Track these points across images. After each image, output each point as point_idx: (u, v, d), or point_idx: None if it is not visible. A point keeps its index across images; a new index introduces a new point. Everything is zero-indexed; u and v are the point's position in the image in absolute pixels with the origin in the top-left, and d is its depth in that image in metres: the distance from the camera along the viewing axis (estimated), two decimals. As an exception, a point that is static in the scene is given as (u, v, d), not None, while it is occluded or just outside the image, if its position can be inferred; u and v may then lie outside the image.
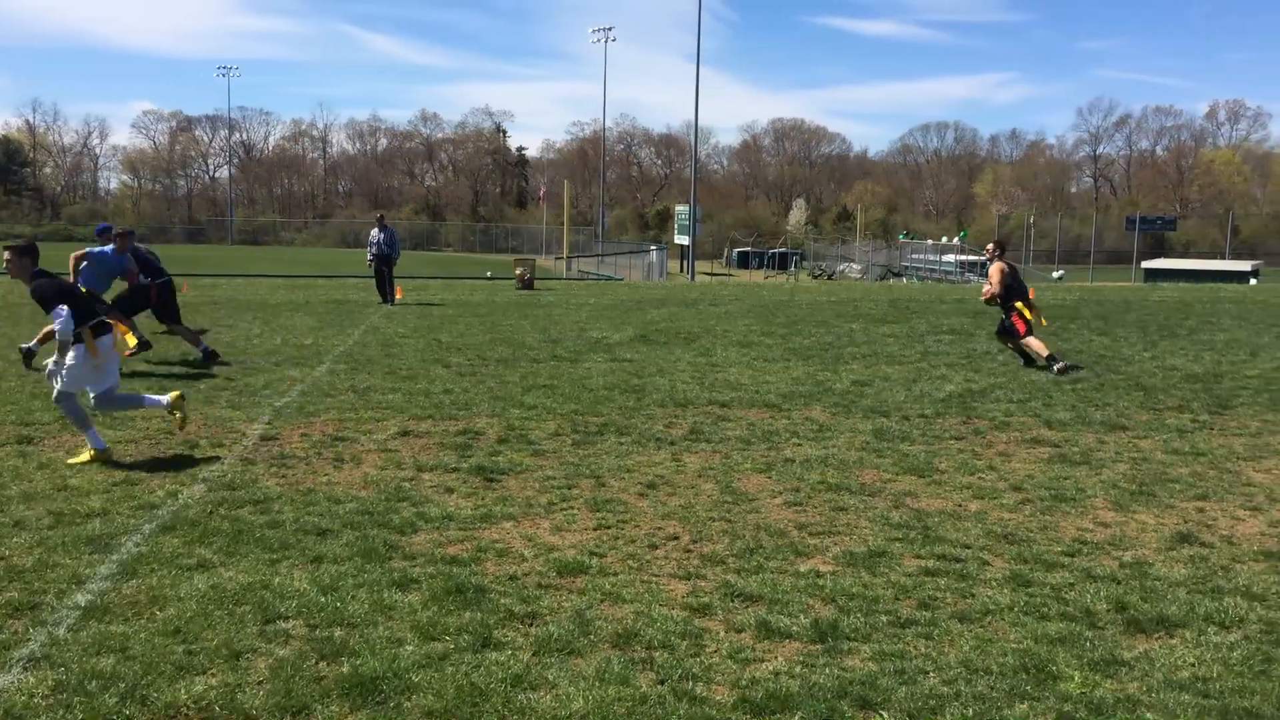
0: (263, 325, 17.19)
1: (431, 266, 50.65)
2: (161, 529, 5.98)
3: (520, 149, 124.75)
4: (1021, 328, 12.82)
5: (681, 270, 56.54)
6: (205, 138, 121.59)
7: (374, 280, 23.06)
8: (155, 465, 7.50)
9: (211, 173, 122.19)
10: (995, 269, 13.09)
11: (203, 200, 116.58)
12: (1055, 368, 12.27)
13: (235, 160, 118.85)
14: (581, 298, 25.11)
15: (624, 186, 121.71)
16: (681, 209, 62.16)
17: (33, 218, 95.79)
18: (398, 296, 23.08)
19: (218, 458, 7.77)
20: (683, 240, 55.57)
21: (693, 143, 54.91)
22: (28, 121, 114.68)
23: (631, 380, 11.56)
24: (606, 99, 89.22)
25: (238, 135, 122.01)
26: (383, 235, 22.68)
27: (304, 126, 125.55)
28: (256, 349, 14.07)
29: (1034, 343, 12.76)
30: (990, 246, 13.42)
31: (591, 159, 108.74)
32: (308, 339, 15.29)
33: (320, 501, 6.59)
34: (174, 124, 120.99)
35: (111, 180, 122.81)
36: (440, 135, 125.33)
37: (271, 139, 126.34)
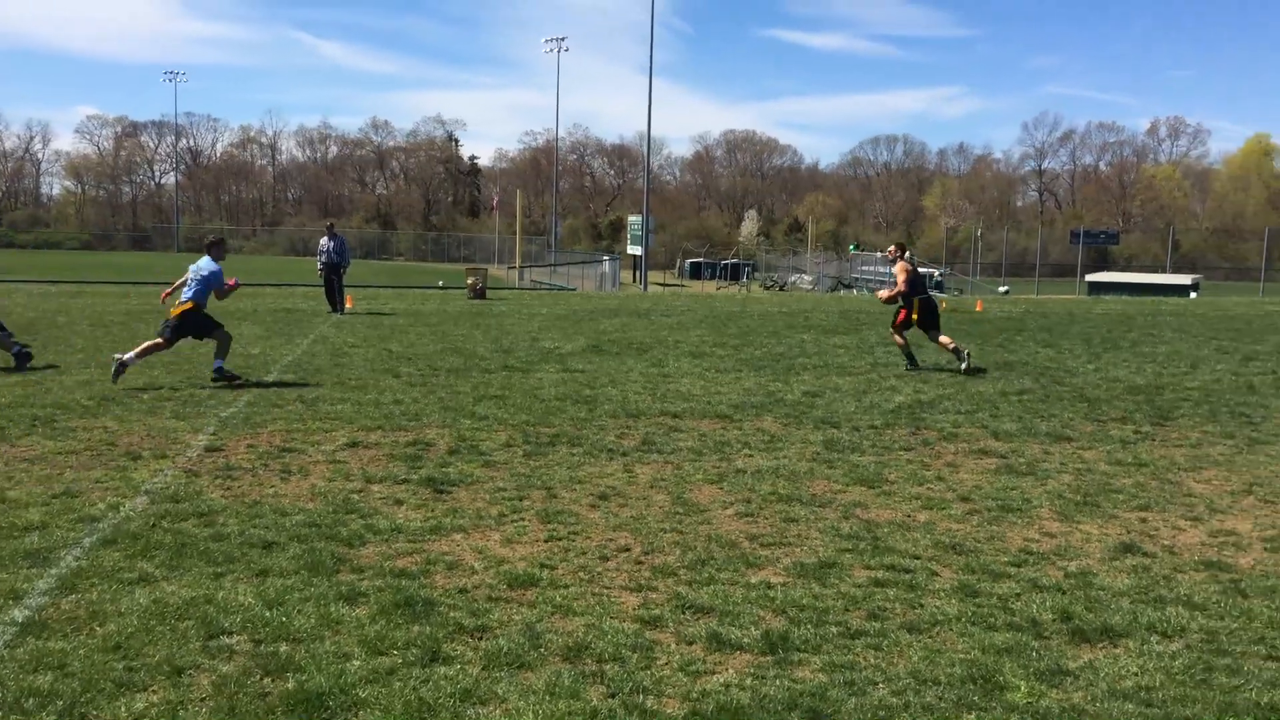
0: (209, 334, 16.93)
1: (382, 275, 50.25)
2: (102, 542, 5.85)
3: (473, 158, 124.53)
4: (900, 318, 13.90)
5: (634, 280, 56.66)
6: (151, 143, 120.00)
7: (323, 289, 22.83)
8: (96, 477, 7.35)
9: (157, 179, 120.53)
10: (900, 268, 13.85)
11: (148, 207, 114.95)
12: (906, 366, 13.75)
13: (182, 167, 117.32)
14: (534, 307, 25.04)
15: (577, 196, 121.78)
16: (634, 219, 62.35)
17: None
18: (347, 305, 22.87)
19: (161, 469, 7.63)
20: (635, 250, 55.70)
21: (645, 153, 55.15)
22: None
23: (584, 391, 11.54)
24: (559, 109, 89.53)
25: (185, 141, 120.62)
26: (332, 243, 22.48)
27: (253, 133, 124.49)
28: (202, 359, 13.86)
29: (899, 338, 13.94)
30: (892, 248, 14.29)
31: (544, 168, 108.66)
32: (255, 348, 15.08)
33: (266, 514, 6.49)
34: (119, 129, 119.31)
35: (54, 186, 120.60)
36: (391, 143, 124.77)
37: (219, 145, 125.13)
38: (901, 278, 13.74)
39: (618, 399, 11.02)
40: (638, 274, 53.23)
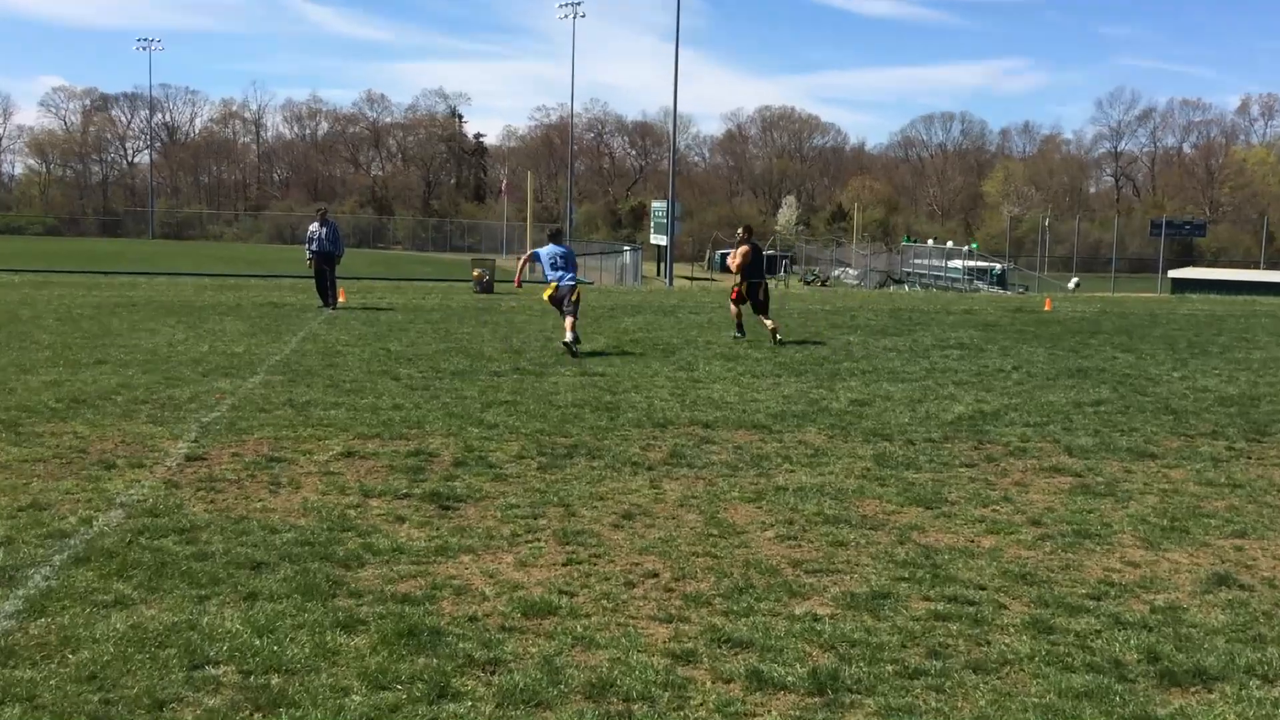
0: (188, 330, 17.06)
1: (378, 266, 50.52)
2: (74, 560, 5.90)
3: (478, 136, 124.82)
4: (734, 294, 17.81)
5: (658, 274, 56.67)
6: (123, 118, 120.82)
7: (313, 281, 22.95)
8: (67, 488, 7.41)
9: (130, 158, 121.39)
10: (742, 250, 17.52)
11: (120, 189, 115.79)
12: (733, 334, 17.67)
13: (157, 144, 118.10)
14: (548, 303, 25.06)
15: (594, 179, 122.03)
16: (658, 205, 62.32)
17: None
18: (340, 299, 22.96)
19: (137, 480, 7.69)
20: (660, 240, 55.74)
21: (671, 132, 55.20)
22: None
23: (604, 397, 11.57)
24: (575, 81, 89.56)
25: (160, 116, 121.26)
26: (324, 230, 22.56)
27: (235, 107, 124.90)
28: (181, 357, 13.96)
29: (734, 310, 17.90)
30: (741, 231, 18.03)
31: (558, 148, 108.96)
32: (239, 346, 15.19)
33: (254, 530, 6.54)
34: (88, 102, 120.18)
35: (16, 165, 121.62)
36: (388, 119, 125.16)
37: (198, 121, 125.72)
38: (737, 260, 17.57)
39: (642, 406, 11.05)
40: (662, 266, 53.26)
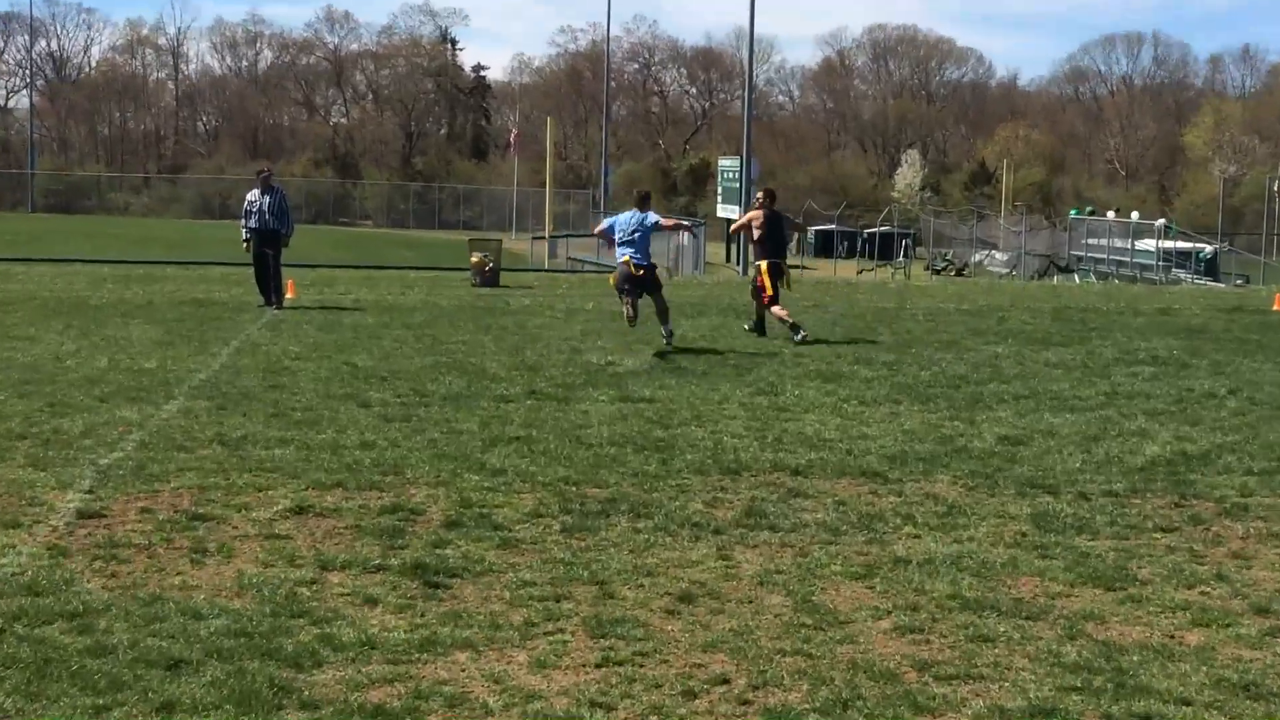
0: (80, 338, 17.27)
1: (341, 249, 51.02)
2: (-76, 656, 5.98)
3: (478, 69, 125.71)
4: (759, 282, 19.03)
5: (728, 258, 56.69)
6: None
7: (252, 269, 23.17)
8: (-85, 555, 7.52)
9: (3, 101, 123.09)
10: (755, 213, 19.15)
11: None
12: (797, 337, 18.11)
13: (39, 82, 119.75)
14: (574, 300, 25.16)
15: (639, 128, 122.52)
16: (728, 163, 62.33)
17: None
18: (288, 295, 23.17)
19: (12, 544, 7.77)
20: (729, 212, 55.73)
21: (746, 61, 55.11)
22: None
23: (653, 431, 11.56)
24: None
25: (43, 43, 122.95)
26: (266, 200, 22.80)
27: (145, 32, 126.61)
28: (71, 375, 14.12)
29: (778, 311, 18.80)
30: (761, 194, 19.55)
31: (589, 85, 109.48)
32: (149, 361, 15.35)
33: (171, 615, 6.59)
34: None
35: None
36: (354, 46, 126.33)
37: (95, 50, 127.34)
38: (748, 220, 19.35)
39: (706, 445, 11.02)
40: (733, 248, 53.24)
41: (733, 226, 19.43)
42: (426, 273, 35.36)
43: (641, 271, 17.40)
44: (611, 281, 17.74)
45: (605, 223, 19.04)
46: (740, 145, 53.80)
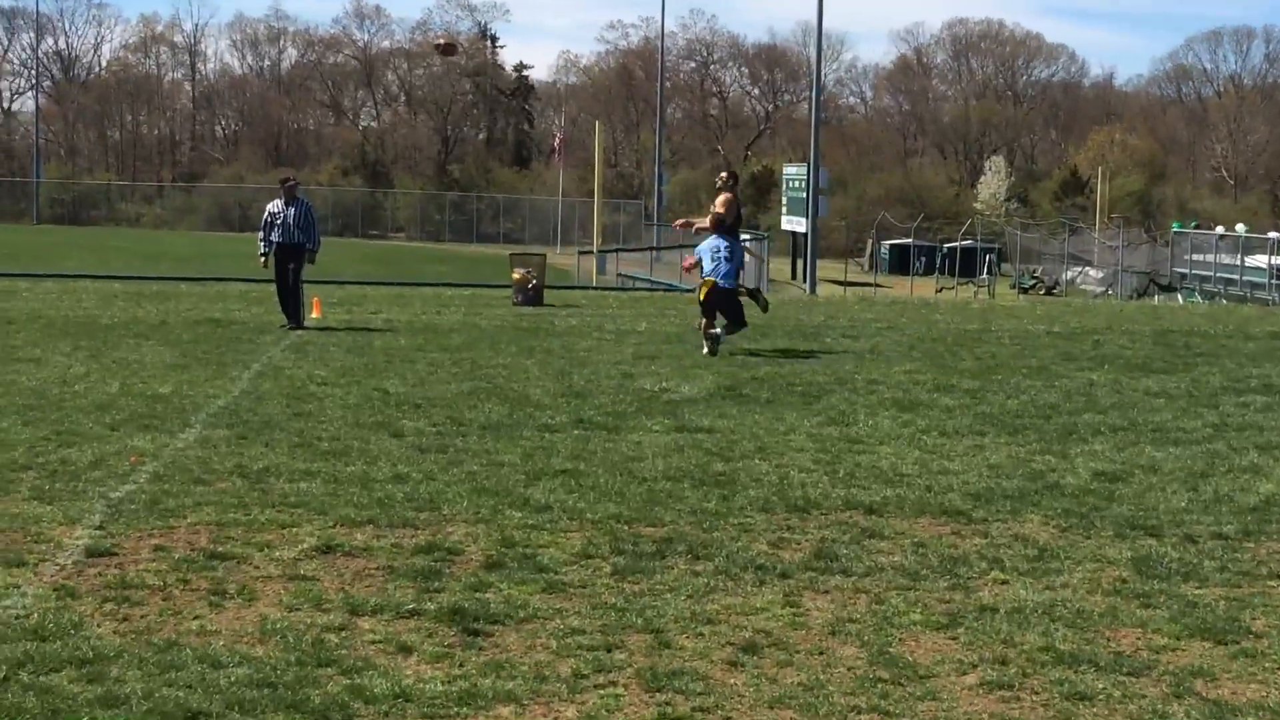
0: (89, 361, 17.40)
1: (371, 263, 51.29)
2: (-78, 705, 6.02)
3: (521, 68, 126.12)
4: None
5: (794, 275, 56.64)
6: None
7: (274, 286, 23.26)
8: (-88, 595, 7.58)
9: (7, 103, 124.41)
10: (723, 199, 20.01)
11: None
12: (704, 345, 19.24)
13: (46, 83, 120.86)
14: (625, 321, 25.17)
15: (696, 132, 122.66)
16: (793, 171, 62.33)
17: None
18: (313, 314, 23.29)
19: (16, 584, 7.81)
20: (796, 224, 55.74)
21: (814, 59, 55.08)
22: None
23: (712, 465, 11.53)
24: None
25: (51, 41, 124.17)
26: (290, 211, 22.87)
27: (160, 29, 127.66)
28: (79, 401, 14.22)
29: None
30: (723, 175, 21.17)
31: (641, 86, 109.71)
32: (164, 385, 15.44)
33: (188, 663, 6.59)
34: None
35: None
36: (386, 44, 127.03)
37: (106, 49, 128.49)
38: (719, 209, 20.05)
39: (771, 480, 10.99)
40: (800, 264, 53.18)
41: (709, 223, 20.37)
42: (464, 290, 35.43)
43: (723, 293, 19.00)
44: (700, 298, 19.40)
45: (695, 256, 20.33)
46: (807, 151, 53.66)
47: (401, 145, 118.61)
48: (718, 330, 19.10)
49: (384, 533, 9.16)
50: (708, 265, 19.34)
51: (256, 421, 13.22)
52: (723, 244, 19.33)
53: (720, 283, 19.06)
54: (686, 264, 21.72)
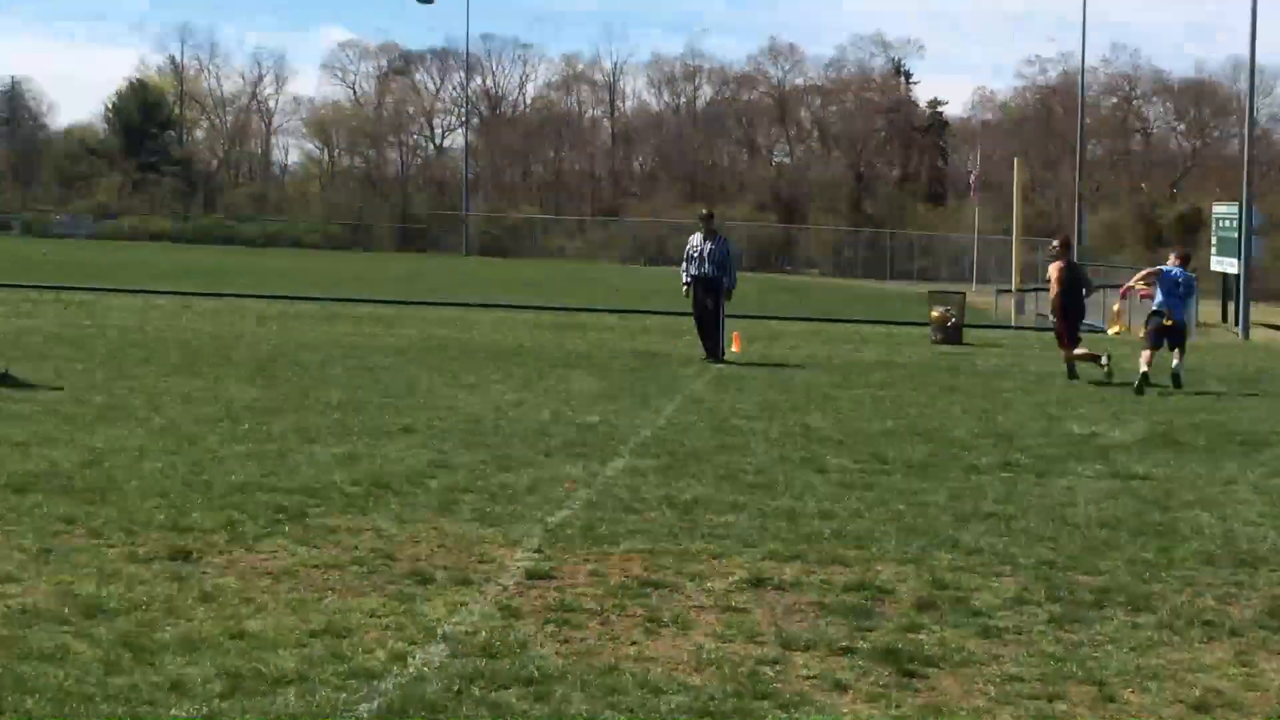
0: (521, 388, 18.19)
1: (784, 297, 51.60)
2: (386, 713, 6.34)
3: (935, 104, 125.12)
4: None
5: (1224, 318, 54.33)
6: (430, 84, 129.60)
7: (693, 319, 23.69)
8: (371, 607, 8.01)
9: (439, 139, 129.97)
10: (1055, 268, 21.70)
11: (421, 182, 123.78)
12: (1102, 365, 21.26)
13: (474, 120, 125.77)
14: (1046, 362, 24.72)
15: (1117, 170, 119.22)
16: (1223, 210, 59.72)
17: (177, 205, 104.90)
18: (733, 348, 23.63)
19: (464, 602, 8.18)
20: (1227, 265, 53.50)
21: (1246, 94, 52.96)
22: (172, 60, 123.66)
23: (1149, 514, 11.29)
24: (1086, 19, 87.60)
25: (479, 80, 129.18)
26: (709, 246, 23.23)
27: (580, 68, 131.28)
28: (513, 427, 14.81)
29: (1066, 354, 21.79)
30: (1055, 244, 22.74)
31: (1060, 123, 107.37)
32: (592, 414, 15.96)
33: (629, 688, 6.76)
34: (384, 63, 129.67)
35: (291, 151, 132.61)
36: (799, 81, 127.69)
37: (530, 87, 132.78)
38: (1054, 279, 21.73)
39: (1215, 531, 10.69)
40: (1232, 306, 51.07)
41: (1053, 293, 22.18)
42: (879, 327, 35.46)
43: (1171, 324, 20.08)
44: (1152, 328, 20.31)
45: (1157, 268, 21.85)
46: (1238, 190, 51.62)
47: (815, 182, 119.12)
48: (1147, 370, 19.56)
49: (812, 568, 9.24)
50: (1160, 297, 20.49)
51: (682, 453, 13.53)
52: (1182, 277, 20.55)
53: (1175, 318, 20.24)
54: (1142, 293, 22.21)
